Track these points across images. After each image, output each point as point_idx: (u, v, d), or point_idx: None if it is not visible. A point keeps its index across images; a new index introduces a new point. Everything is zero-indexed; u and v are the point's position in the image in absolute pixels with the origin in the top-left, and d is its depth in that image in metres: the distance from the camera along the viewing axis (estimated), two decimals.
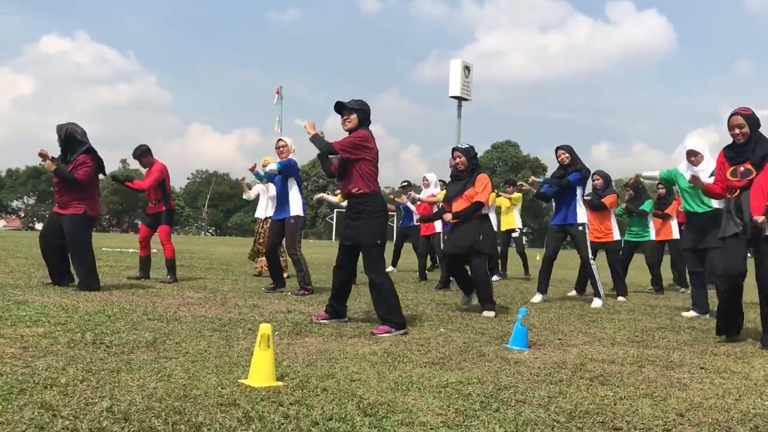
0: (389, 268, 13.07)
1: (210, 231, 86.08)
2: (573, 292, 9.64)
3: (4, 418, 2.70)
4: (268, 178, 8.24)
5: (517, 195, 13.06)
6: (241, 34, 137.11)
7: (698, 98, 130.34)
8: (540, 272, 8.40)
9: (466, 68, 28.32)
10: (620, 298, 9.13)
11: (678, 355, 4.90)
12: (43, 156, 7.21)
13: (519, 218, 13.07)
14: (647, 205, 10.31)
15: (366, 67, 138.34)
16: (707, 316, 7.25)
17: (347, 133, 5.58)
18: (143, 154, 9.03)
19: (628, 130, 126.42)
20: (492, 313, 6.71)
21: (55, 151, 7.39)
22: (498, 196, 12.88)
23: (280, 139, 8.27)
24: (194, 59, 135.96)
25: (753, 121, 5.36)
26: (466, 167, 7.02)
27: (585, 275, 9.18)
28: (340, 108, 5.58)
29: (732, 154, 5.46)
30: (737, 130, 5.38)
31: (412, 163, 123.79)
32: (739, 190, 5.40)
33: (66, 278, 7.55)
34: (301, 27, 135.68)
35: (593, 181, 9.46)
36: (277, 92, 21.57)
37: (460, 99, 28.26)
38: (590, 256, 8.09)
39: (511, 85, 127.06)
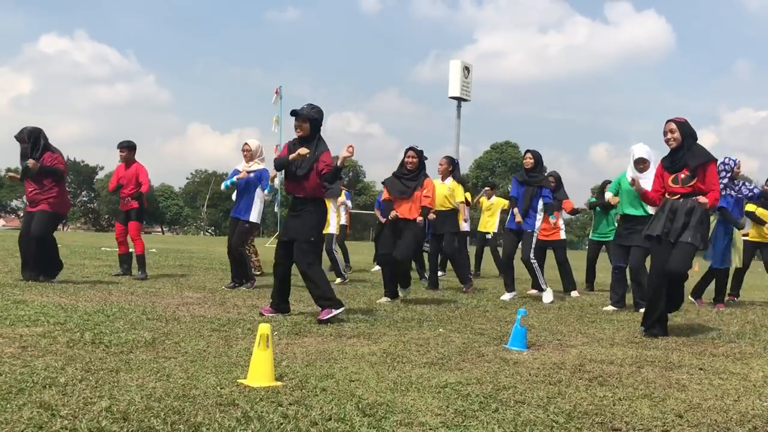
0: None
1: (209, 231, 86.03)
2: (575, 292, 9.80)
3: (2, 418, 2.70)
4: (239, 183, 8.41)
5: (498, 200, 13.19)
6: (240, 34, 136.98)
7: (697, 99, 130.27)
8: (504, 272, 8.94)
9: (466, 69, 28.31)
10: (573, 294, 9.70)
11: (677, 355, 4.90)
12: (32, 164, 7.74)
13: (498, 223, 13.20)
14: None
15: (365, 66, 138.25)
16: (623, 308, 7.84)
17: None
18: (129, 148, 9.33)
19: (627, 131, 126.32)
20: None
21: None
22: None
23: (245, 143, 8.58)
24: (194, 59, 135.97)
25: (686, 129, 5.81)
26: (416, 168, 7.58)
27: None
28: (295, 115, 5.96)
29: (668, 164, 5.89)
30: (669, 135, 5.81)
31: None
32: (680, 195, 5.80)
33: (41, 274, 7.90)
34: (301, 27, 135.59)
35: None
36: (276, 92, 21.58)
37: (459, 99, 28.25)
38: (531, 255, 8.46)
39: (511, 85, 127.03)
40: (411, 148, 7.70)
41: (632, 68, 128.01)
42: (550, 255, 10.36)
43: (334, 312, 5.70)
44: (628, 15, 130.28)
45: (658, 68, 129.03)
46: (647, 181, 6.69)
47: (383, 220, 11.20)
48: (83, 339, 4.38)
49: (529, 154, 8.53)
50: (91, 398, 3.03)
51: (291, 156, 5.90)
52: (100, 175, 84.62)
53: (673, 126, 5.79)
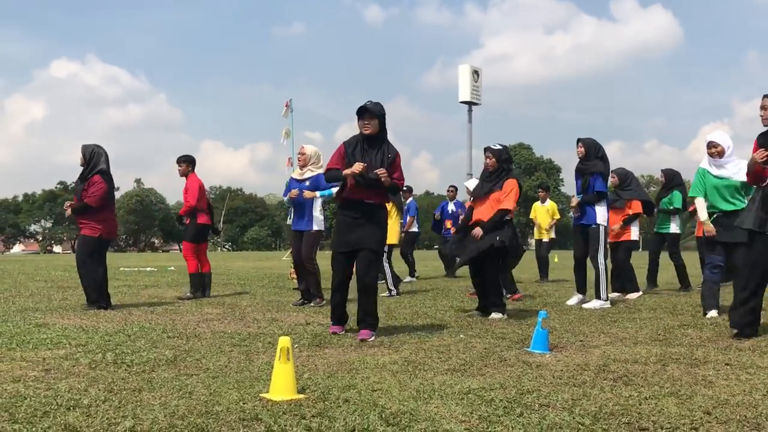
0: (409, 278, 13.13)
1: (226, 246, 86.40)
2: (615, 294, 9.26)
3: None
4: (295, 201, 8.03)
5: (552, 205, 13.14)
6: (248, 50, 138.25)
7: (709, 92, 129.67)
8: (574, 272, 8.36)
9: (475, 73, 28.30)
10: (632, 296, 9.12)
11: (702, 352, 4.84)
12: (67, 209, 7.52)
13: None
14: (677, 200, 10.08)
15: (373, 76, 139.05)
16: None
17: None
18: (190, 162, 9.10)
19: (640, 128, 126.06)
20: (500, 315, 6.75)
21: (77, 170, 7.60)
22: None
23: (302, 146, 8.20)
24: (203, 76, 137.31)
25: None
26: (495, 169, 7.00)
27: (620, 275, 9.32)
28: (362, 112, 5.50)
29: (764, 141, 5.34)
30: (763, 111, 5.34)
31: (423, 170, 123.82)
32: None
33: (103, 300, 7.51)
34: (307, 40, 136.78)
35: (611, 178, 9.14)
36: (287, 105, 21.61)
37: (470, 104, 28.23)
38: (600, 256, 7.84)
39: (520, 87, 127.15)
40: (487, 148, 7.12)
41: (642, 64, 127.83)
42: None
43: (374, 337, 5.39)
44: (634, 11, 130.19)
45: (667, 63, 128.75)
46: (724, 171, 6.52)
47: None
48: (105, 359, 4.40)
49: (580, 143, 7.93)
50: (115, 418, 3.03)
51: (345, 171, 5.43)
52: (117, 195, 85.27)
53: None
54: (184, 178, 9.06)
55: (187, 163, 9.06)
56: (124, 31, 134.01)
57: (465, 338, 5.44)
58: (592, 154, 7.88)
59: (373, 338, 5.36)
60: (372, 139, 5.50)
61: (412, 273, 13.41)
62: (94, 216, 7.36)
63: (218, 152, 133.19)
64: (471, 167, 27.96)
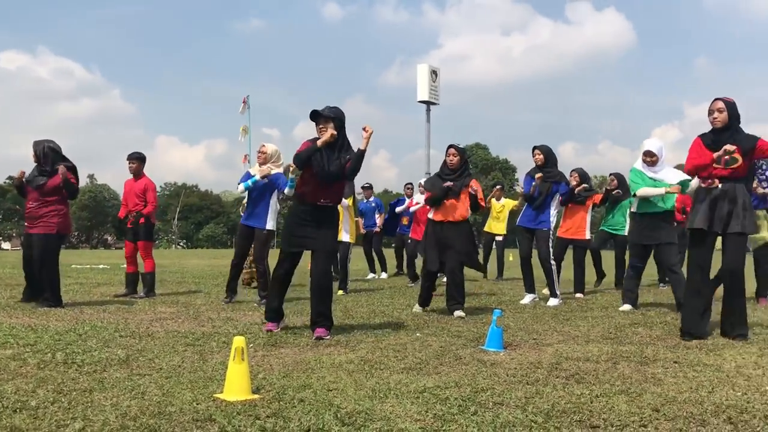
0: (376, 275, 13.20)
1: (181, 244, 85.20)
2: (580, 294, 9.45)
3: None
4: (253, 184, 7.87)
5: (508, 202, 13.21)
6: (205, 46, 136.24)
7: (661, 96, 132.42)
8: (522, 272, 8.43)
9: (434, 72, 28.40)
10: (578, 295, 9.34)
11: (651, 350, 4.95)
12: (63, 174, 7.21)
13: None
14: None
15: (331, 73, 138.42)
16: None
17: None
18: (143, 160, 8.89)
19: (594, 129, 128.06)
20: (463, 313, 6.93)
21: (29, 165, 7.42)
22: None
23: (262, 144, 8.05)
24: (159, 71, 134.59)
25: (733, 110, 5.49)
26: (458, 167, 7.15)
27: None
28: (316, 116, 5.52)
29: (710, 142, 5.53)
30: (716, 114, 5.47)
31: (382, 168, 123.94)
32: (718, 181, 5.49)
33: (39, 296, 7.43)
34: (265, 37, 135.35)
35: (569, 177, 9.38)
36: (244, 102, 21.44)
37: (428, 103, 28.33)
38: (549, 256, 8.09)
39: (478, 88, 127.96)
40: (452, 146, 7.19)
41: (596, 67, 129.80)
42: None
43: (329, 336, 5.37)
44: (588, 14, 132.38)
45: (621, 66, 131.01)
46: (658, 175, 6.94)
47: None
48: (55, 359, 4.30)
49: (537, 150, 8.03)
50: (64, 420, 2.97)
51: (320, 141, 5.39)
52: None
53: (721, 105, 5.50)
54: (133, 175, 8.82)
55: (140, 160, 8.83)
56: (77, 24, 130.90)
57: (421, 337, 5.47)
58: (552, 162, 8.06)
59: (329, 337, 5.35)
60: (330, 143, 5.48)
61: (384, 269, 13.47)
62: (54, 209, 7.24)
63: (173, 148, 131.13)
64: (429, 166, 28.07)
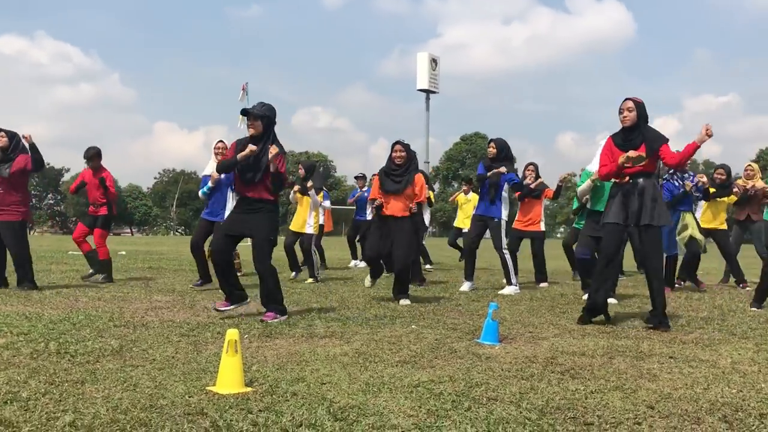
0: (354, 263, 13.24)
1: (179, 230, 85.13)
2: (545, 284, 9.80)
3: None
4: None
5: (475, 197, 13.26)
6: (205, 31, 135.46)
7: (661, 86, 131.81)
8: (465, 260, 8.90)
9: (433, 61, 28.31)
10: (542, 285, 9.66)
11: (647, 344, 4.94)
12: (27, 137, 7.62)
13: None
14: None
15: (331, 61, 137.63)
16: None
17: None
18: (98, 155, 9.16)
19: (593, 119, 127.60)
20: (408, 302, 7.17)
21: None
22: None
23: (220, 141, 8.52)
24: (159, 57, 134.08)
25: (642, 110, 5.76)
26: (405, 163, 7.28)
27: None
28: (246, 114, 5.81)
29: (620, 142, 5.83)
30: (626, 113, 5.76)
31: (380, 156, 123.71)
32: (628, 177, 5.79)
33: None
34: (265, 23, 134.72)
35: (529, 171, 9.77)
36: (243, 88, 21.39)
37: (427, 92, 28.26)
38: (502, 245, 8.41)
39: (477, 77, 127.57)
40: (398, 142, 7.31)
41: (596, 57, 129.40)
42: (525, 245, 10.28)
43: (279, 318, 5.70)
44: (588, 4, 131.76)
45: (621, 56, 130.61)
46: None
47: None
48: (48, 349, 4.28)
49: (492, 143, 8.54)
50: (55, 413, 2.94)
51: (239, 155, 5.72)
52: (66, 177, 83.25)
53: (631, 104, 5.75)
54: (92, 170, 9.09)
55: (100, 156, 9.17)
56: (76, 8, 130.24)
57: (417, 329, 5.45)
58: (505, 155, 8.46)
59: (277, 320, 5.65)
60: (256, 139, 5.80)
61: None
62: (21, 197, 7.65)
63: (172, 134, 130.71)
64: (428, 155, 28.06)
